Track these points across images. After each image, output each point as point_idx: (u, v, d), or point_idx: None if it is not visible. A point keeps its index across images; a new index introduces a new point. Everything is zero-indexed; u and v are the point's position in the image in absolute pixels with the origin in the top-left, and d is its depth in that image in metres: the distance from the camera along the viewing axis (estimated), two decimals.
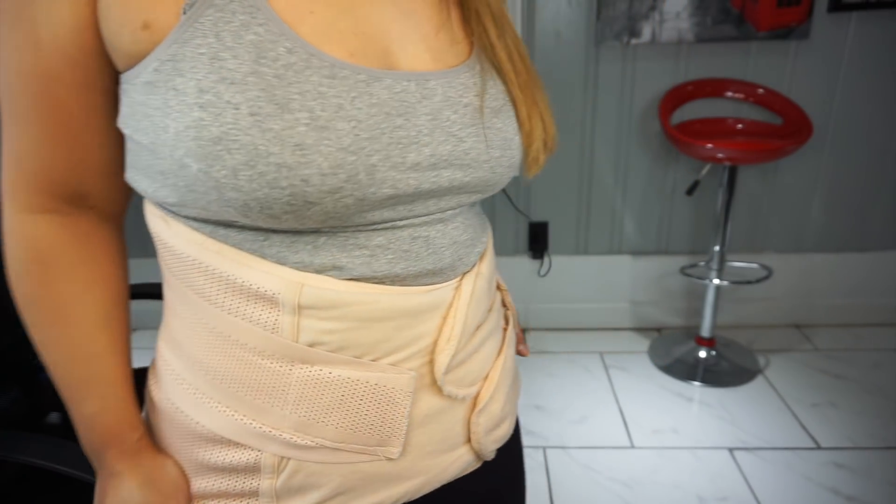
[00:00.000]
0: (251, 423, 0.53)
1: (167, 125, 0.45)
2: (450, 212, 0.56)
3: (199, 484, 0.57)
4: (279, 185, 0.45)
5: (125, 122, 0.49)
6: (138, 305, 1.47)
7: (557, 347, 2.39)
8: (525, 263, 2.44)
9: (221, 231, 0.51)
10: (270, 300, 0.50)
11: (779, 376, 2.16)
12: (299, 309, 0.50)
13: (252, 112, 0.44)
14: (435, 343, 0.56)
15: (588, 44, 2.17)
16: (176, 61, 0.45)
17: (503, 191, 2.35)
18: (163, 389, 0.57)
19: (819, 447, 1.82)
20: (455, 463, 0.62)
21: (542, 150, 0.61)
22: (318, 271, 0.51)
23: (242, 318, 0.51)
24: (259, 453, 0.54)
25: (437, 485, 0.62)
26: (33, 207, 0.52)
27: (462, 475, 0.64)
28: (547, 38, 2.17)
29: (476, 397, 0.62)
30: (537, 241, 2.42)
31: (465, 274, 0.58)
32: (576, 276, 2.46)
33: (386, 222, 0.52)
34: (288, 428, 0.53)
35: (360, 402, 0.54)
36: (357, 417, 0.54)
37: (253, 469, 0.54)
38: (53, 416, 1.27)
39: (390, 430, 0.56)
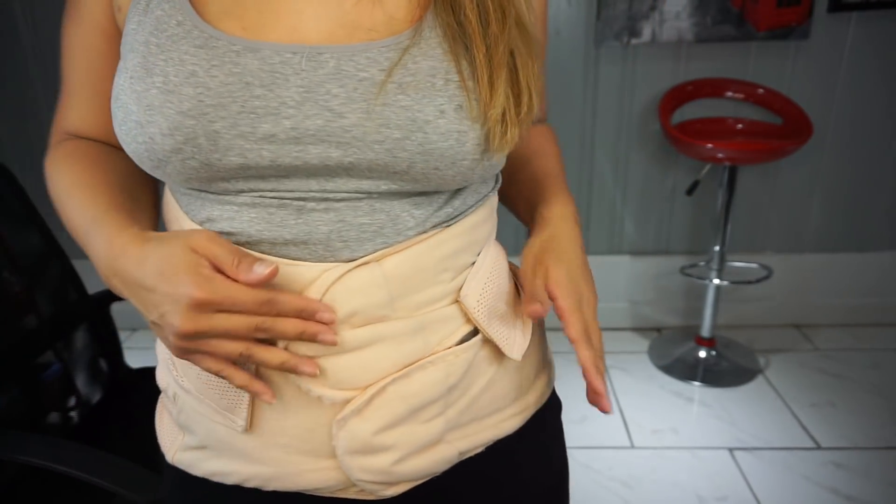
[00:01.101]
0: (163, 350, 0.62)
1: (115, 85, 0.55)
2: (344, 194, 0.52)
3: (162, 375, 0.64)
4: (137, 141, 0.51)
5: None
6: None
7: (557, 347, 2.39)
8: None
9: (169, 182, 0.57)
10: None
11: (779, 376, 2.16)
12: None
13: (131, 76, 0.51)
14: None
15: (588, 44, 2.17)
16: (124, 36, 0.54)
17: None
18: None
19: (819, 447, 1.83)
20: (317, 473, 0.56)
21: (513, 122, 0.52)
22: (201, 222, 0.55)
23: None
24: (169, 377, 0.61)
25: (293, 487, 0.57)
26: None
27: (336, 496, 0.58)
28: (547, 37, 2.17)
29: (343, 403, 0.54)
30: None
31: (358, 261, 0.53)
32: None
33: (254, 191, 0.52)
34: (176, 364, 0.60)
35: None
36: (215, 385, 0.56)
37: (165, 388, 0.63)
38: (53, 416, 1.27)
39: (235, 399, 0.55)
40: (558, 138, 0.77)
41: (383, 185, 0.52)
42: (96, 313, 1.38)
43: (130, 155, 0.53)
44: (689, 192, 2.20)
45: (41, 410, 1.24)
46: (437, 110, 0.50)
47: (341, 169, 0.50)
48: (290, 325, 0.49)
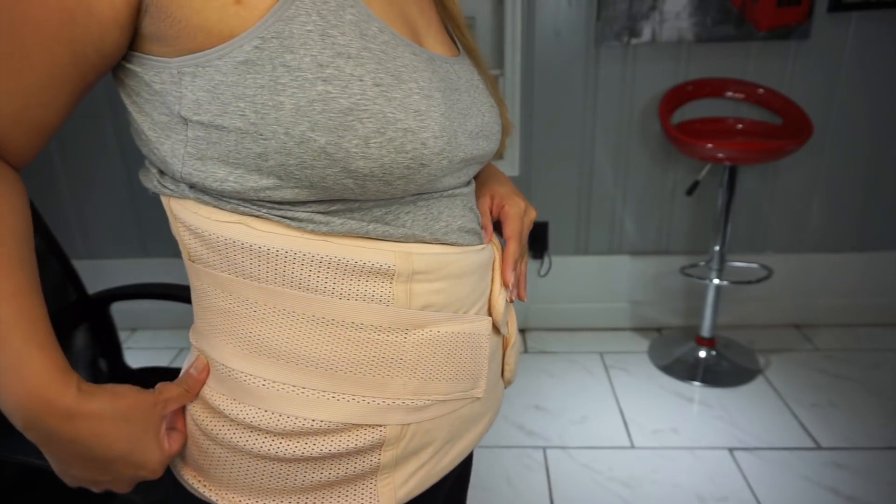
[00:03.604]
0: (374, 401, 0.55)
1: (280, 102, 0.45)
2: (470, 181, 0.63)
3: (314, 476, 0.55)
4: (405, 150, 0.49)
5: (200, 109, 0.47)
6: (138, 305, 1.46)
7: (557, 347, 2.39)
8: None
9: (324, 227, 0.51)
10: (386, 273, 0.53)
11: (779, 376, 2.16)
12: (412, 275, 0.54)
13: (376, 83, 0.47)
14: (491, 291, 0.65)
15: (588, 44, 2.17)
16: (282, 38, 0.45)
17: None
18: (261, 401, 0.53)
19: (819, 447, 1.82)
20: (500, 393, 0.71)
21: (505, 135, 0.69)
22: (417, 241, 0.56)
23: (356, 299, 0.53)
24: (383, 429, 0.56)
25: (496, 417, 0.70)
26: None
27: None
28: (547, 38, 2.17)
29: (507, 335, 0.70)
30: (537, 241, 2.42)
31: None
32: (576, 276, 2.46)
33: (447, 189, 0.58)
34: (409, 394, 0.57)
35: (461, 352, 0.60)
36: (458, 367, 0.60)
37: (377, 445, 0.56)
38: None
39: (478, 372, 0.63)
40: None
41: (476, 169, 0.63)
42: (96, 313, 1.38)
43: (372, 172, 0.48)
44: (689, 192, 2.20)
45: None
46: (498, 111, 0.65)
47: (479, 158, 0.60)
48: None
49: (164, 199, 0.54)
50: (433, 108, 0.51)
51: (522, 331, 2.51)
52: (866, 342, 2.35)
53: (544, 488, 1.70)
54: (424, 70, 0.52)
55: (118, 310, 1.41)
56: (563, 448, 1.85)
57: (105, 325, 1.39)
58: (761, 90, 2.16)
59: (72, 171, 2.38)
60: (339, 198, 0.51)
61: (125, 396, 0.50)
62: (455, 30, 0.66)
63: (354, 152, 0.47)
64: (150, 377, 1.40)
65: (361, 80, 0.46)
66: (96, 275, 1.93)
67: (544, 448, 1.85)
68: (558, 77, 2.21)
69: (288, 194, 0.49)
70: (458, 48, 0.65)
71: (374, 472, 0.57)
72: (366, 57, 0.47)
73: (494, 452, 1.84)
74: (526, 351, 2.38)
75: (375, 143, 0.47)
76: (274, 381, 0.53)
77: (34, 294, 0.48)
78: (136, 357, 1.54)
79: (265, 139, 0.46)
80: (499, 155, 0.71)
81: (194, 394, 0.55)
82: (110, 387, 0.50)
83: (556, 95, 2.24)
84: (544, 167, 2.33)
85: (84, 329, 1.35)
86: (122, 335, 1.43)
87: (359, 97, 0.46)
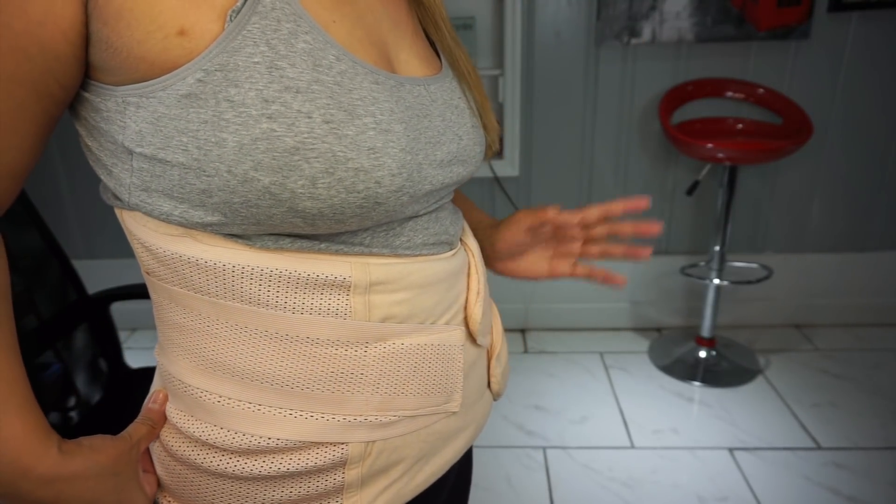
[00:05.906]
0: (333, 418, 0.53)
1: (223, 139, 0.43)
2: (446, 198, 0.61)
3: (274, 494, 0.53)
4: (356, 190, 0.46)
5: (143, 141, 0.45)
6: (138, 305, 1.47)
7: (557, 347, 2.39)
8: None
9: (272, 244, 0.49)
10: (341, 285, 0.51)
11: (779, 376, 2.16)
12: (370, 287, 0.52)
13: (326, 120, 0.45)
14: (466, 299, 0.63)
15: (588, 44, 2.17)
16: (227, 71, 0.43)
17: (503, 191, 2.35)
18: (216, 418, 0.53)
19: (819, 447, 1.82)
20: (485, 406, 0.69)
21: (491, 145, 0.67)
22: (375, 255, 0.53)
23: (311, 313, 0.51)
24: (345, 447, 0.53)
25: (479, 432, 0.68)
26: None
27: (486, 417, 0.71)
28: (547, 37, 2.17)
29: (490, 345, 0.69)
30: None
31: (461, 239, 0.65)
32: None
33: (411, 214, 0.55)
34: (371, 410, 0.54)
35: (430, 364, 0.58)
36: (428, 380, 0.58)
37: (339, 463, 0.54)
38: (53, 416, 1.26)
39: (452, 386, 0.60)
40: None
41: (450, 191, 0.60)
42: (96, 313, 1.38)
43: (321, 212, 0.46)
44: (689, 192, 2.20)
45: (41, 410, 1.24)
46: (480, 130, 0.62)
47: (451, 185, 0.57)
48: None
49: (117, 212, 0.53)
50: (391, 144, 0.48)
51: (522, 331, 2.51)
52: (866, 342, 2.35)
53: (544, 488, 1.70)
54: (386, 101, 0.49)
55: (118, 310, 1.41)
56: (563, 448, 1.85)
57: (105, 325, 1.39)
58: (761, 90, 2.16)
59: (72, 171, 2.38)
60: (289, 233, 0.49)
61: (104, 449, 0.50)
62: (436, 32, 0.62)
63: (301, 193, 0.45)
64: (149, 377, 1.40)
65: (310, 118, 0.44)
66: (96, 275, 1.93)
67: (544, 448, 1.85)
68: (558, 77, 2.21)
69: (235, 230, 0.48)
70: (440, 61, 0.61)
71: (338, 491, 0.54)
72: (317, 91, 0.45)
73: (494, 452, 1.84)
74: (526, 351, 2.38)
75: (323, 183, 0.45)
76: (229, 398, 0.52)
77: (12, 353, 0.47)
78: (136, 357, 1.54)
79: (208, 176, 0.45)
80: (491, 153, 0.68)
81: (160, 427, 0.55)
82: (86, 442, 0.50)
83: (556, 95, 2.24)
84: (544, 167, 2.33)
85: (84, 329, 1.36)
86: (122, 335, 1.43)
87: (306, 135, 0.44)
